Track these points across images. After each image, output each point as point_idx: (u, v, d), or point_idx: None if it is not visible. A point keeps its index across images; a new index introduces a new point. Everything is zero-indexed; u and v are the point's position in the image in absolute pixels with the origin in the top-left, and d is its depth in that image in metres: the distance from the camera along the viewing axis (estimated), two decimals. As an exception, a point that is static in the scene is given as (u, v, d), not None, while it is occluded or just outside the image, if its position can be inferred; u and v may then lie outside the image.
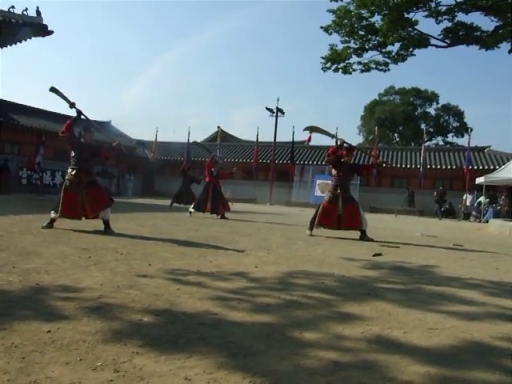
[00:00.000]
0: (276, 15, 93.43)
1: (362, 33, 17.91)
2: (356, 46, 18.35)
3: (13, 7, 20.57)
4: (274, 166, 30.27)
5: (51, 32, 21.75)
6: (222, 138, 33.09)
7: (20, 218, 8.64)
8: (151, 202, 20.10)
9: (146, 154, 33.00)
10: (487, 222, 18.69)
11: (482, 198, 23.63)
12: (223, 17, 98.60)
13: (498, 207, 23.04)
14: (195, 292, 3.38)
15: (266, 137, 31.02)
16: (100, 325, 2.49)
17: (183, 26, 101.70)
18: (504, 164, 24.25)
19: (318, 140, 59.02)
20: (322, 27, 18.58)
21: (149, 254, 5.12)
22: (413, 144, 44.94)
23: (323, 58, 18.86)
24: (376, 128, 34.06)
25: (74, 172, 7.04)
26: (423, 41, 17.41)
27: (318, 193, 26.05)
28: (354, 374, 2.02)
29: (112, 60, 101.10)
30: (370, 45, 18.23)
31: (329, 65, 19.02)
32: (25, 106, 26.00)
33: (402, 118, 50.88)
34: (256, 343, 2.34)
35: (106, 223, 7.01)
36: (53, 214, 7.01)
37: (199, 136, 53.90)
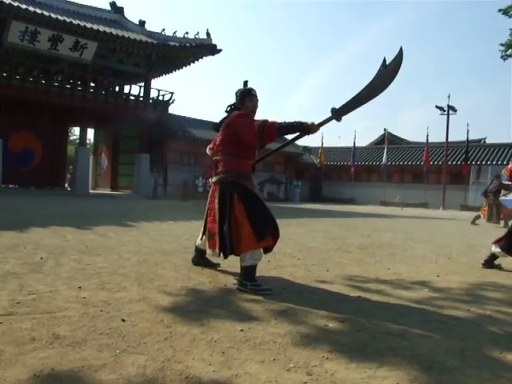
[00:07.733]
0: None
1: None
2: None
3: (187, 33, 22.90)
4: (446, 167, 28.15)
5: (220, 50, 23.56)
6: (388, 140, 32.05)
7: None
8: (320, 208, 20.15)
9: (313, 160, 33.54)
10: None
11: None
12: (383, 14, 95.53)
13: None
14: (376, 300, 3.31)
15: (437, 137, 28.77)
16: (288, 327, 2.58)
17: (349, 27, 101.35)
18: None
19: (497, 138, 53.20)
20: (500, 10, 17.32)
21: (325, 259, 5.17)
22: None
23: (502, 45, 17.37)
24: None
25: None
26: None
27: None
28: None
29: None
30: None
31: (510, 52, 17.50)
32: (196, 119, 27.79)
33: None
34: (451, 359, 2.18)
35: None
36: None
37: (365, 140, 52.84)
